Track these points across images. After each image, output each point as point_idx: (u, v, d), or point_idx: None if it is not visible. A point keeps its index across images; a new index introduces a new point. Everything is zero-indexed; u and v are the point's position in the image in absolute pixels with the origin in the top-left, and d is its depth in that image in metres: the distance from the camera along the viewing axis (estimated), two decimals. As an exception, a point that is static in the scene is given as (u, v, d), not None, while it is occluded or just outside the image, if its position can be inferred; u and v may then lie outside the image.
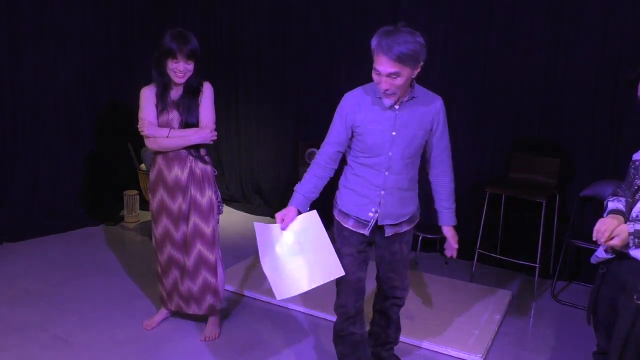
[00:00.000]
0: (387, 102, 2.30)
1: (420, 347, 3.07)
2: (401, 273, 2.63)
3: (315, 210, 2.44)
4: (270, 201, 5.34)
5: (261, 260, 2.40)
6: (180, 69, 2.81)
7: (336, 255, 2.38)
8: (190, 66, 2.83)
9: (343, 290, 2.50)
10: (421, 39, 2.19)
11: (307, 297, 3.56)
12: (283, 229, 2.40)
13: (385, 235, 2.48)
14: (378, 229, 2.47)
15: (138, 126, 2.91)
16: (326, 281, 2.35)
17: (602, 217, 2.08)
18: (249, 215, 5.33)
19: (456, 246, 2.68)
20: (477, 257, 4.00)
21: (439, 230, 4.25)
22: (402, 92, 2.28)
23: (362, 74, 4.60)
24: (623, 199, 2.14)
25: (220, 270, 3.09)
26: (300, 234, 2.40)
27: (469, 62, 4.17)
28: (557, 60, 3.86)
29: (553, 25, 3.84)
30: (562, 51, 3.84)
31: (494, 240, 4.19)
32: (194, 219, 2.97)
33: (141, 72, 5.21)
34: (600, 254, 2.14)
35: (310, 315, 3.39)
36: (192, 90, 2.90)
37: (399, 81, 2.19)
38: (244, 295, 3.63)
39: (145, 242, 4.54)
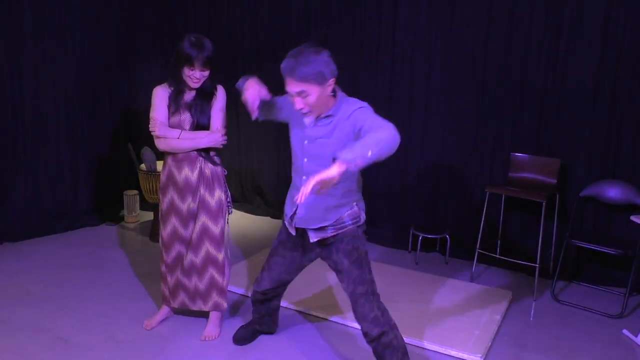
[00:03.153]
0: (307, 120, 2.40)
1: (421, 347, 3.06)
2: (356, 295, 2.51)
3: None
4: (270, 201, 5.34)
5: None
6: (196, 76, 2.84)
7: None
8: (206, 73, 2.87)
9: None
10: (326, 57, 2.27)
11: (307, 298, 3.56)
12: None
13: (311, 240, 2.54)
14: (305, 235, 2.57)
15: (149, 126, 2.92)
16: None
17: None
18: (249, 215, 5.33)
19: (322, 178, 1.99)
20: (477, 257, 4.00)
21: (439, 230, 4.29)
22: (319, 109, 2.34)
23: (361, 74, 4.63)
24: None
25: (227, 270, 3.10)
26: None
27: (469, 62, 4.17)
28: (557, 60, 3.86)
29: (553, 25, 3.84)
30: (562, 51, 3.84)
31: (494, 240, 4.19)
32: (203, 218, 2.98)
33: (141, 72, 5.22)
34: None
35: (311, 315, 3.39)
36: (205, 94, 2.93)
37: (311, 99, 2.27)
38: (243, 295, 3.63)
39: (145, 242, 4.54)
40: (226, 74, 5.36)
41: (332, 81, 2.28)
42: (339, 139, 2.33)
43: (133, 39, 5.25)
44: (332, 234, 2.49)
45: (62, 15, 4.64)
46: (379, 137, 2.06)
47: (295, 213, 2.54)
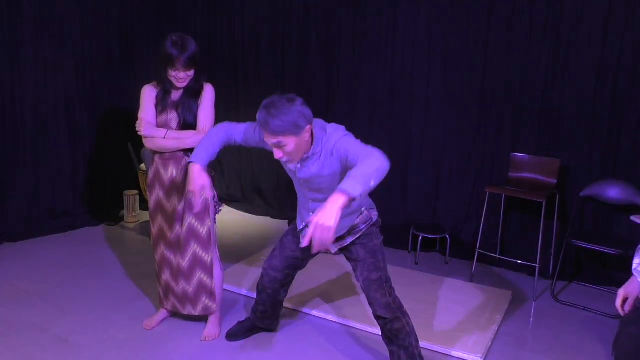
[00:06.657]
0: (291, 166, 2.48)
1: (421, 347, 3.05)
2: (370, 281, 2.60)
3: None
4: (270, 201, 5.34)
5: None
6: (180, 77, 2.82)
7: None
8: (191, 72, 2.84)
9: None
10: (299, 106, 2.27)
11: (307, 297, 3.56)
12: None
13: (332, 252, 2.68)
14: None
15: (136, 125, 2.91)
16: None
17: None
18: (249, 215, 5.33)
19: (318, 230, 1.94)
20: (477, 257, 4.00)
21: (438, 230, 4.29)
22: (298, 155, 2.38)
23: (361, 74, 4.63)
24: None
25: (217, 270, 3.08)
26: None
27: (469, 62, 4.17)
28: (557, 60, 3.87)
29: (553, 26, 3.84)
30: (563, 51, 3.84)
31: (494, 240, 4.19)
32: (189, 219, 2.97)
33: (141, 72, 5.22)
34: None
35: (310, 315, 3.39)
36: (192, 92, 2.91)
37: (289, 149, 2.31)
38: (243, 295, 3.63)
39: (145, 242, 4.54)
40: (226, 73, 5.39)
41: (308, 128, 2.31)
42: (332, 174, 2.40)
43: (133, 39, 5.26)
44: (351, 241, 2.62)
45: (62, 15, 4.64)
46: (377, 166, 2.05)
47: (305, 228, 2.66)
